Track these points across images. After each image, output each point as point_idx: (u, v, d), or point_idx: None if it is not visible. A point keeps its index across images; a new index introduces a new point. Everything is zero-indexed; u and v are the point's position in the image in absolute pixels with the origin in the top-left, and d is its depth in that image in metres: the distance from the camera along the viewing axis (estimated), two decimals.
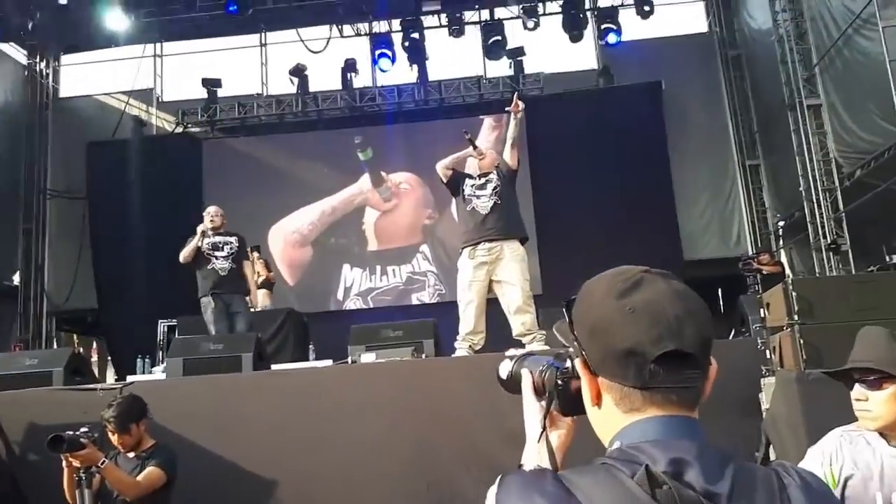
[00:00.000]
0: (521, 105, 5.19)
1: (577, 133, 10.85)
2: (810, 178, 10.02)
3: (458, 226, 5.32)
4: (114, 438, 3.31)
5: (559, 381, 1.05)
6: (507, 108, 5.36)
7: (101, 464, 3.02)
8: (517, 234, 5.15)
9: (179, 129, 12.47)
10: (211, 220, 6.19)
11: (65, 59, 13.54)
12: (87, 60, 13.24)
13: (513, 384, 1.18)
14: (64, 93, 13.40)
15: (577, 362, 0.95)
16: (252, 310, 6.55)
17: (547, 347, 4.85)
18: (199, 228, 6.16)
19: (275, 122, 12.36)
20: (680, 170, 11.26)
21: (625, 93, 11.47)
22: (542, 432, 1.05)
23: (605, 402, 0.92)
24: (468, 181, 5.21)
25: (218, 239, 6.21)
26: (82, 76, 13.42)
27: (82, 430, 3.10)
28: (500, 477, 0.88)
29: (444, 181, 5.30)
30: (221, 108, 12.20)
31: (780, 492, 0.83)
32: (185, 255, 6.13)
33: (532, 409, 1.10)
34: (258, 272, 8.43)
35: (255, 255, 8.11)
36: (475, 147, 5.20)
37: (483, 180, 5.17)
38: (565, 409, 1.07)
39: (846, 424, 2.02)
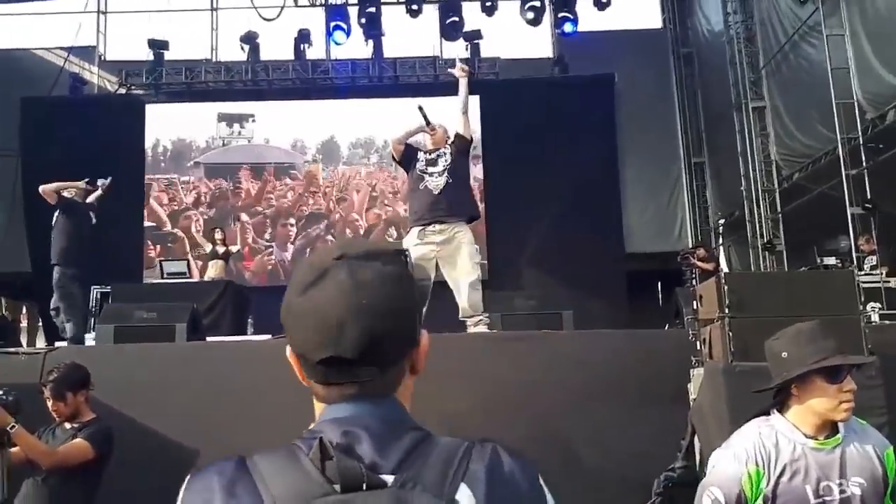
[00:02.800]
0: (467, 67, 5.20)
1: (530, 120, 10.88)
2: (751, 178, 10.32)
3: (409, 204, 5.25)
4: (49, 404, 3.21)
5: None
6: (449, 69, 5.36)
7: (11, 428, 2.92)
8: (468, 213, 5.14)
9: (122, 91, 12.01)
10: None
11: (0, 8, 12.85)
12: (26, 12, 12.60)
13: None
14: None
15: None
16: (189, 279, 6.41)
17: (489, 330, 4.87)
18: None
19: (223, 88, 12.03)
20: (627, 163, 11.45)
21: (578, 83, 11.55)
22: None
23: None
24: (420, 155, 5.16)
25: None
26: (19, 28, 12.76)
27: (1, 391, 2.99)
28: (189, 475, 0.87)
29: (397, 158, 5.25)
30: (167, 72, 11.81)
31: (457, 466, 0.81)
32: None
33: None
34: (218, 241, 8.35)
35: (238, 224, 8.99)
36: (428, 122, 5.14)
37: (434, 155, 5.13)
38: None
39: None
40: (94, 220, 6.32)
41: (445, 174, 5.05)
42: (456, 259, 4.96)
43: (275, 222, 11.45)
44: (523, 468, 0.85)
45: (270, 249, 11.23)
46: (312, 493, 0.78)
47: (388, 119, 10.89)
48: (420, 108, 5.19)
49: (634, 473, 3.95)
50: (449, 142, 5.20)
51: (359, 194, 11.69)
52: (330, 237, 11.40)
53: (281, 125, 11.98)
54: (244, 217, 11.24)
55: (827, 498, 1.89)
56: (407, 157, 5.19)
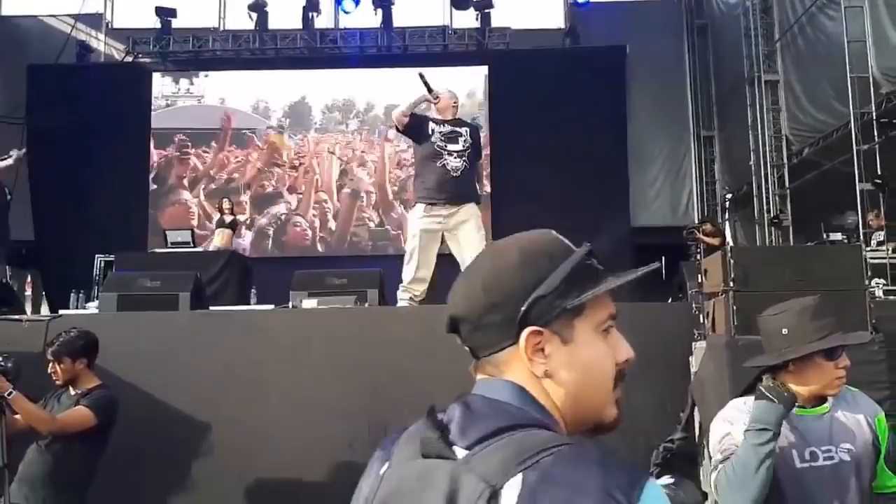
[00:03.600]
0: None
1: (539, 92, 10.78)
2: (760, 153, 10.20)
3: (420, 176, 4.95)
4: (49, 366, 3.23)
5: None
6: None
7: (8, 394, 2.94)
8: (476, 199, 5.01)
9: (129, 59, 11.96)
10: None
11: None
12: None
13: None
14: (6, 11, 12.68)
15: None
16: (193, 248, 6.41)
17: None
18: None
19: (230, 57, 11.94)
20: (636, 136, 11.34)
21: (589, 54, 11.41)
22: None
23: None
24: (433, 126, 4.85)
25: None
26: None
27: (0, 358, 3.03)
28: None
29: (402, 129, 4.93)
30: (175, 40, 11.75)
31: (527, 458, 0.77)
32: None
33: None
34: (226, 210, 8.36)
35: (248, 193, 8.88)
36: (430, 90, 4.85)
37: (450, 129, 4.86)
38: None
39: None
40: (9, 196, 6.17)
41: (465, 157, 4.83)
42: (462, 232, 4.87)
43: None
44: (603, 477, 0.75)
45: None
46: (408, 458, 0.86)
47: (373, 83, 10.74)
48: (421, 76, 4.89)
49: (635, 445, 3.95)
50: (467, 122, 5.02)
51: (327, 165, 11.30)
52: (300, 218, 11.22)
53: (238, 84, 11.59)
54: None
55: (814, 464, 1.89)
56: (416, 126, 4.87)
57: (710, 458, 2.01)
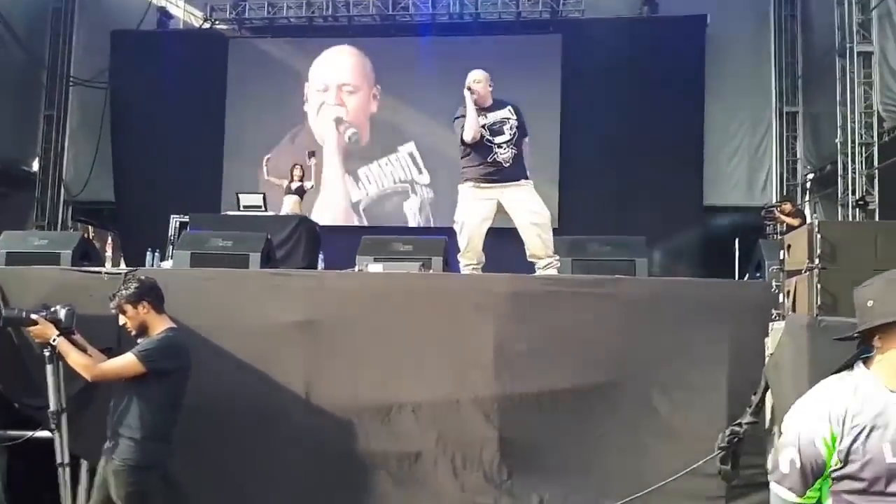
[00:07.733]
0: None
1: (614, 62, 10.47)
2: (848, 130, 9.63)
3: (467, 160, 4.96)
4: (120, 322, 3.32)
5: None
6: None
7: (53, 341, 3.06)
8: (524, 177, 4.98)
9: (206, 25, 12.22)
10: None
11: None
12: None
13: None
14: None
15: None
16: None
17: (560, 275, 4.75)
18: None
19: (304, 24, 12.06)
20: (714, 110, 10.90)
21: (668, 24, 11.04)
22: None
23: None
24: (479, 119, 4.86)
25: None
26: None
27: (57, 307, 3.15)
28: None
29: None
30: (251, 7, 11.93)
31: None
32: None
33: None
34: (297, 177, 8.49)
35: (313, 160, 8.99)
36: (469, 89, 4.85)
37: (493, 120, 4.86)
38: None
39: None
40: None
41: (513, 143, 4.86)
42: (521, 200, 4.84)
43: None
44: None
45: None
46: None
47: None
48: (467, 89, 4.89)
49: (703, 426, 3.83)
50: (510, 105, 4.97)
51: None
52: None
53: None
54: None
55: None
56: None
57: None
